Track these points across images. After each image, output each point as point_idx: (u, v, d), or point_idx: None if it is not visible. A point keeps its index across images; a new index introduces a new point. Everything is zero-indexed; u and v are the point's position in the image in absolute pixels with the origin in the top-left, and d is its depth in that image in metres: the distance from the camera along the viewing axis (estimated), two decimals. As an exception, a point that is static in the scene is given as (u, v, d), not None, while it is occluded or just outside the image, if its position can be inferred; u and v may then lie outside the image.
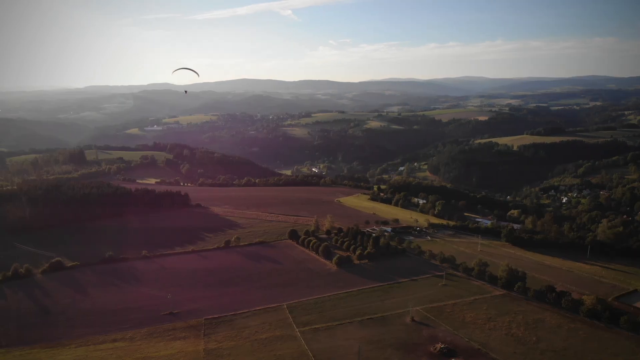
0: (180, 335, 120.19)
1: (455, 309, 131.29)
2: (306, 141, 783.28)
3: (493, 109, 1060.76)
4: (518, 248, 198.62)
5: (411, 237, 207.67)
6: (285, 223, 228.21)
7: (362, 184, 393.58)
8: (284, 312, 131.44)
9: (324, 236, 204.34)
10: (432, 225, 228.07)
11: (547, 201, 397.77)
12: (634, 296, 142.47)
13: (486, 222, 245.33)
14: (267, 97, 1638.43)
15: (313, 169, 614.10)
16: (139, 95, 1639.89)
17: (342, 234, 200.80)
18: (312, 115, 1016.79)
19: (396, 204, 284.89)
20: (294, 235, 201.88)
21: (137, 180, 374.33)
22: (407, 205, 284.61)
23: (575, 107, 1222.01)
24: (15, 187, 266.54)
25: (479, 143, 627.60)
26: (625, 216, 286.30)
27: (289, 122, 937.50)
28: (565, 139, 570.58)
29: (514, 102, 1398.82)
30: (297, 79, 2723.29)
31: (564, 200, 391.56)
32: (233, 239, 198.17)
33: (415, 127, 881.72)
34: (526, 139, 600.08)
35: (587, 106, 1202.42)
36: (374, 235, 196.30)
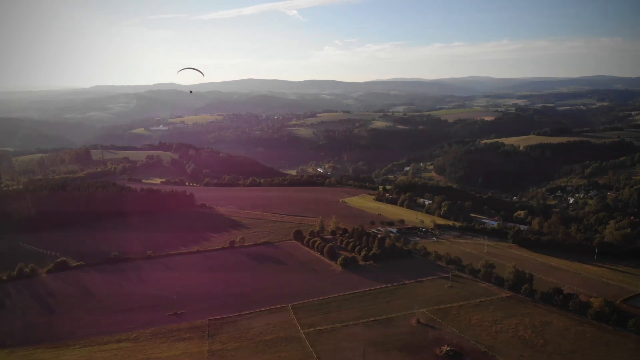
0: (185, 336, 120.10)
1: (461, 311, 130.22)
2: (311, 141, 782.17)
3: (499, 109, 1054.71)
4: (525, 249, 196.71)
5: (417, 238, 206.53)
6: (290, 223, 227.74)
7: (367, 184, 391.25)
8: (289, 313, 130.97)
9: (329, 237, 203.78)
10: (438, 226, 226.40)
11: (553, 202, 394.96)
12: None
13: (492, 223, 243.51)
14: (272, 97, 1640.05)
15: (318, 169, 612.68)
16: (144, 95, 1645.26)
17: (347, 234, 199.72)
18: (317, 115, 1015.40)
19: (402, 205, 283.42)
20: (298, 235, 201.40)
21: (143, 180, 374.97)
22: (413, 205, 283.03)
23: (582, 107, 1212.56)
24: (22, 187, 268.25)
25: (485, 143, 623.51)
26: (633, 217, 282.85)
27: (294, 122, 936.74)
28: (572, 139, 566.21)
29: (520, 102, 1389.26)
30: (302, 79, 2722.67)
31: (570, 201, 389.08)
32: (238, 240, 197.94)
33: (420, 127, 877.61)
34: (533, 139, 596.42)
35: (594, 106, 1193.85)
36: (379, 236, 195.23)
